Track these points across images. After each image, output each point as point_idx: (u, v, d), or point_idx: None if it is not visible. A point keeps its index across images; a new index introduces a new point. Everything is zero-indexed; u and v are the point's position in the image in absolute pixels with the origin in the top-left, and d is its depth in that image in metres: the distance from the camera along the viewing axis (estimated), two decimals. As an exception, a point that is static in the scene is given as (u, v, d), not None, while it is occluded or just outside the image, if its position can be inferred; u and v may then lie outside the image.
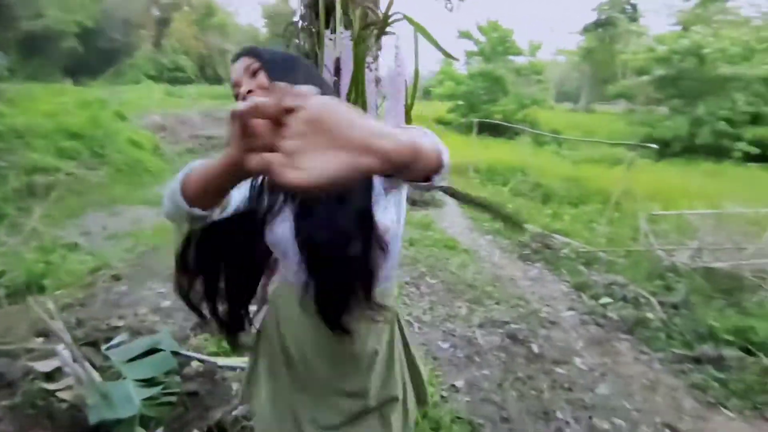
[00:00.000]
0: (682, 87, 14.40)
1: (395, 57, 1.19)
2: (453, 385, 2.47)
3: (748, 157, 12.53)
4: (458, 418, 2.18)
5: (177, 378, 2.03)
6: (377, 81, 1.28)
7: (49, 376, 1.94)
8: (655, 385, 2.60)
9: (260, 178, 0.83)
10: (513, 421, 2.19)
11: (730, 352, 2.92)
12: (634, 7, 27.15)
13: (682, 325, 3.32)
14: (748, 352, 2.92)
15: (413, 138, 0.46)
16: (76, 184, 8.12)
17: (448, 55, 1.23)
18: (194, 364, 2.21)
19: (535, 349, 2.93)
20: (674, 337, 3.19)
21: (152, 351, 2.13)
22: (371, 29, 1.23)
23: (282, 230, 0.83)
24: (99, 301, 2.93)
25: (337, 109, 0.40)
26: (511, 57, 18.36)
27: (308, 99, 0.40)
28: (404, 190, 0.87)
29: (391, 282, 0.95)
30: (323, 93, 0.56)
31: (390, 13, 1.20)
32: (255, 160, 0.40)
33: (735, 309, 3.60)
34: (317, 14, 1.30)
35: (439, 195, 6.34)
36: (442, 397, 2.35)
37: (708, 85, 13.63)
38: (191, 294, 0.88)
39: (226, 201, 0.70)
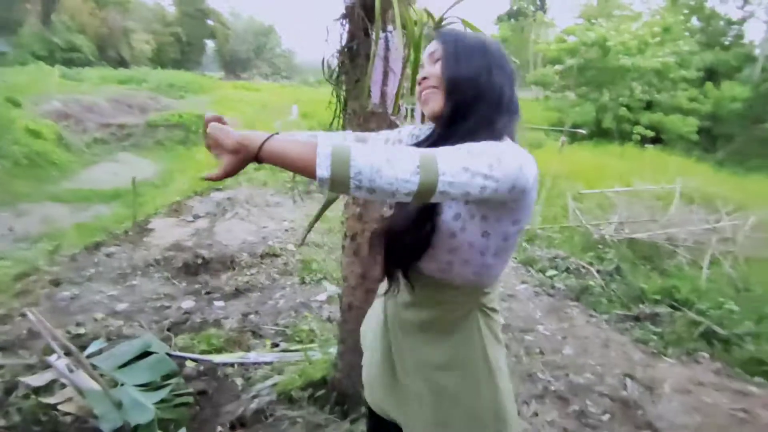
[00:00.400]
0: (589, 76, 15.86)
1: None
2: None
3: (645, 140, 14.21)
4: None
5: (180, 379, 1.91)
6: None
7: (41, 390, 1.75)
8: (607, 342, 2.92)
9: None
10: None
11: (661, 309, 3.36)
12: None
13: (618, 290, 3.75)
14: (675, 308, 3.38)
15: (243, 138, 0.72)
16: (-33, 181, 7.07)
17: None
18: (189, 363, 2.09)
19: (502, 320, 3.14)
20: (614, 301, 3.59)
21: (142, 355, 1.97)
22: (422, 31, 1.23)
23: None
24: (44, 309, 2.62)
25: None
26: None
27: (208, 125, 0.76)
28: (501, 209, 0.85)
29: (476, 278, 0.93)
30: (504, 77, 0.69)
31: (445, 16, 1.21)
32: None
33: (658, 273, 4.14)
34: (366, 11, 1.28)
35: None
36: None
37: (611, 74, 15.15)
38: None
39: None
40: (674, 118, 14.73)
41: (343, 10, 1.36)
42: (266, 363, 2.22)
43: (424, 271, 0.93)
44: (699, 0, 18.32)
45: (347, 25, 1.37)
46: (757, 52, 18.13)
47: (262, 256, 3.93)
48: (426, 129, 1.04)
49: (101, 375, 1.70)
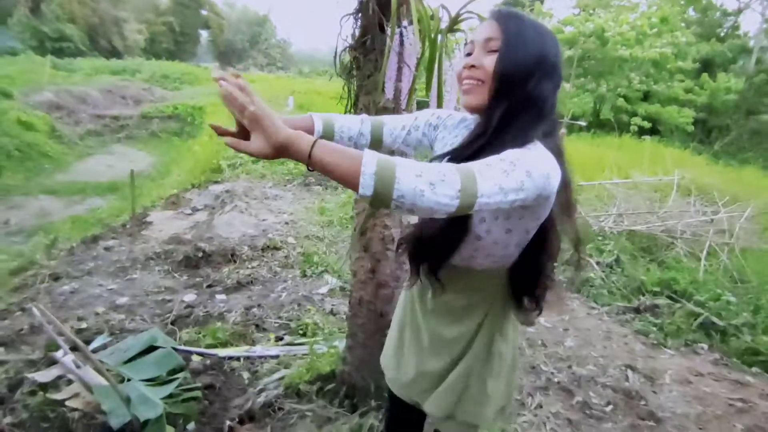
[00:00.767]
0: (587, 66, 15.81)
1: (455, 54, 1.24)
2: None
3: (642, 131, 14.24)
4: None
5: (187, 374, 1.91)
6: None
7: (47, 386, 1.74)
8: (608, 334, 2.95)
9: None
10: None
11: (660, 301, 3.39)
12: (539, -11, 28.91)
13: (618, 282, 3.78)
14: (673, 299, 3.41)
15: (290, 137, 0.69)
16: (-42, 174, 6.99)
17: None
18: (195, 357, 2.09)
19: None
20: (614, 293, 3.62)
21: (148, 350, 1.97)
22: (439, 26, 1.22)
23: None
24: (43, 304, 2.60)
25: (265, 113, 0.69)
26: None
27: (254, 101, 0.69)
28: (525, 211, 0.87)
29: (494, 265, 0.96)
30: (554, 81, 0.89)
31: (461, 12, 1.20)
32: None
33: (657, 264, 4.17)
34: (380, 6, 1.26)
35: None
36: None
37: (609, 65, 15.11)
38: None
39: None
40: (670, 109, 14.75)
41: (356, 5, 1.34)
42: (272, 357, 2.22)
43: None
44: (695, -9, 18.29)
45: (360, 20, 1.36)
46: (751, 43, 18.18)
47: (262, 249, 3.92)
48: (445, 116, 1.04)
49: (107, 370, 1.70)
